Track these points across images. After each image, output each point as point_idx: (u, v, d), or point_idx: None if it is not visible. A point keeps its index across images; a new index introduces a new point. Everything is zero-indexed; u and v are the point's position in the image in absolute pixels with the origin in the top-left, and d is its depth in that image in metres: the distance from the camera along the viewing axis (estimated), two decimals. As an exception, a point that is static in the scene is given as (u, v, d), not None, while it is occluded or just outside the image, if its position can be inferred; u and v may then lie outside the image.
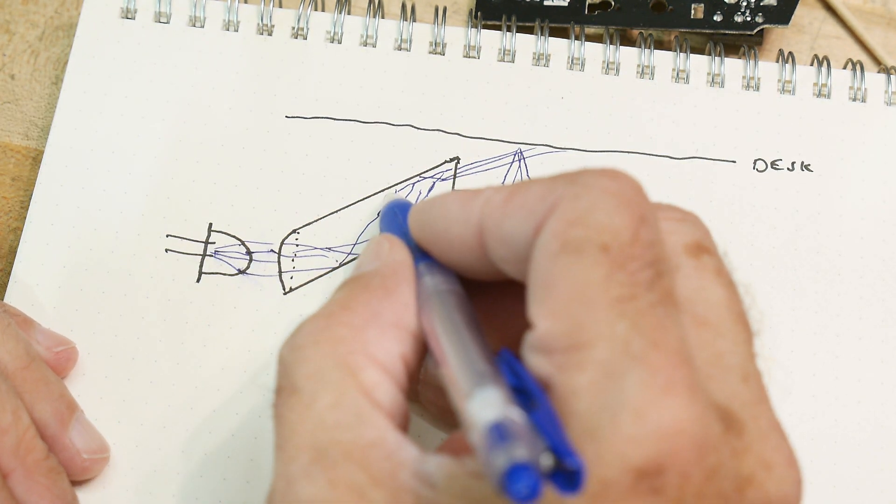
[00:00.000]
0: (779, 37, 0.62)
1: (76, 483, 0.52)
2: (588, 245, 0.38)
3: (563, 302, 0.38)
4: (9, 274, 0.56)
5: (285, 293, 0.56)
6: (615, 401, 0.37)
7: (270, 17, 0.60)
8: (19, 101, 0.60)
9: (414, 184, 0.57)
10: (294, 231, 0.57)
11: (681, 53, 0.60)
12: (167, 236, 0.56)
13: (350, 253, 0.56)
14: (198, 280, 0.56)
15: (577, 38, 0.60)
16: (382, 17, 0.61)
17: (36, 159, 0.59)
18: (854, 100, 0.59)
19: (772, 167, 0.58)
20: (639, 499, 0.36)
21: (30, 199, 0.57)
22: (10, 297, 0.55)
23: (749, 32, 0.60)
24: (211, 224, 0.57)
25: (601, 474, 0.36)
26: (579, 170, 0.41)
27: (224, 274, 0.56)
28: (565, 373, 0.38)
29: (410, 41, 0.60)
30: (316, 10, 0.61)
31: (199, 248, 0.56)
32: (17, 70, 0.61)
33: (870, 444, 0.53)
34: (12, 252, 0.57)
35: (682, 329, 0.38)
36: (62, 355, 0.53)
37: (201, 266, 0.56)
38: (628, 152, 0.58)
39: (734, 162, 0.58)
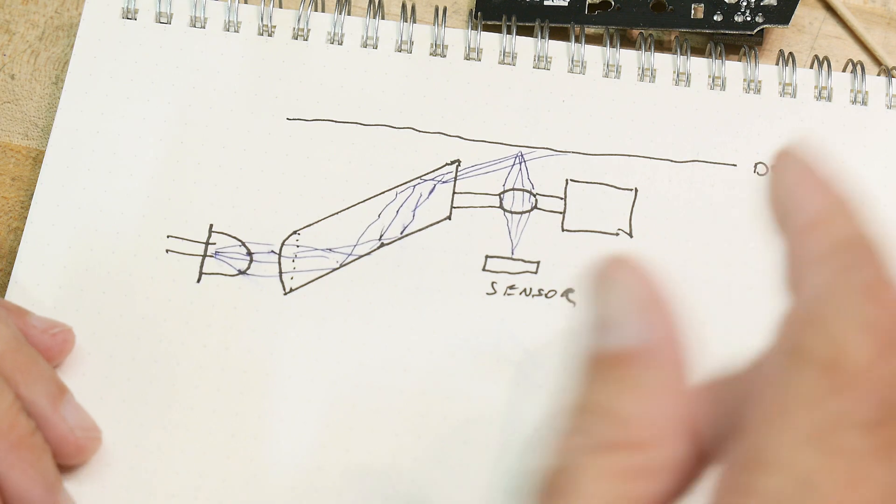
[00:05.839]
0: (779, 37, 0.62)
1: (70, 478, 0.52)
2: (812, 358, 0.33)
3: (761, 413, 0.33)
4: (9, 274, 0.56)
5: (286, 294, 0.56)
6: None
7: (271, 17, 0.60)
8: (19, 101, 0.60)
9: (415, 186, 0.58)
10: (295, 232, 0.57)
11: (681, 56, 0.60)
12: (168, 237, 0.56)
13: (350, 254, 0.56)
14: (198, 280, 0.56)
15: (577, 38, 0.60)
16: (383, 18, 0.61)
17: (36, 159, 0.59)
18: (855, 102, 0.59)
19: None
20: None
21: (30, 199, 0.57)
22: (10, 298, 0.55)
23: (749, 32, 0.61)
24: (212, 225, 0.57)
25: None
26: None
27: (224, 274, 0.56)
28: (731, 495, 0.33)
29: (411, 42, 0.60)
30: (316, 10, 0.61)
31: (200, 249, 0.56)
32: (17, 70, 0.61)
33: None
34: (12, 252, 0.57)
35: None
36: (59, 336, 0.53)
37: (202, 266, 0.56)
38: (629, 155, 0.58)
39: (735, 165, 0.58)
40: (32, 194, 0.57)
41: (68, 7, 0.62)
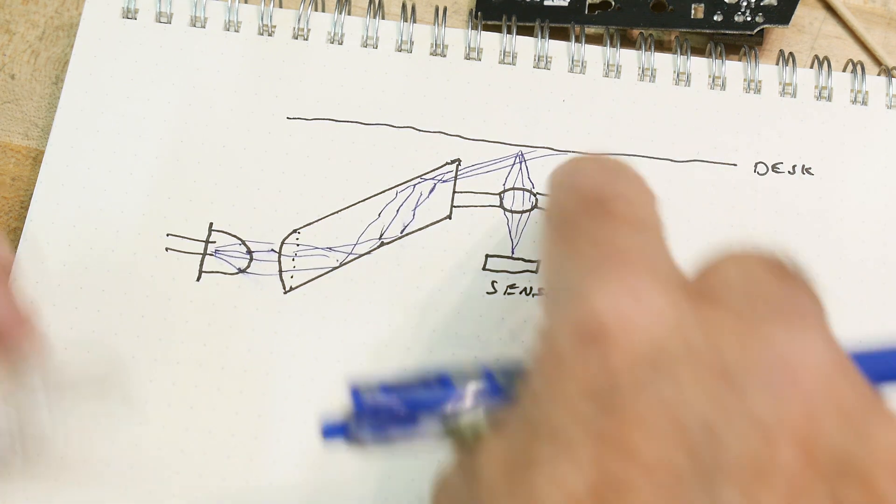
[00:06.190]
0: (779, 37, 0.62)
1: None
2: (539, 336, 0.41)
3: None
4: (9, 273, 0.56)
5: (285, 292, 0.56)
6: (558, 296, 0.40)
7: (271, 17, 0.60)
8: (19, 101, 0.60)
9: (415, 185, 0.58)
10: (295, 231, 0.57)
11: (681, 56, 0.60)
12: (168, 235, 0.56)
13: (350, 253, 0.56)
14: (198, 279, 0.56)
15: (577, 38, 0.60)
16: (383, 18, 0.61)
17: (36, 159, 0.59)
18: (855, 102, 0.59)
19: (773, 170, 0.58)
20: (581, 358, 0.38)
21: (30, 199, 0.57)
22: (11, 296, 0.55)
23: (749, 32, 0.61)
24: (212, 223, 0.57)
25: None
26: None
27: (224, 273, 0.56)
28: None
29: (411, 42, 0.60)
30: (316, 10, 0.61)
31: (200, 248, 0.56)
32: (17, 70, 0.61)
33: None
34: (12, 252, 0.57)
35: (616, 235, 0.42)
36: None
37: (202, 265, 0.56)
38: (629, 155, 0.58)
39: (735, 165, 0.58)
40: (32, 194, 0.57)
41: (68, 7, 0.62)
